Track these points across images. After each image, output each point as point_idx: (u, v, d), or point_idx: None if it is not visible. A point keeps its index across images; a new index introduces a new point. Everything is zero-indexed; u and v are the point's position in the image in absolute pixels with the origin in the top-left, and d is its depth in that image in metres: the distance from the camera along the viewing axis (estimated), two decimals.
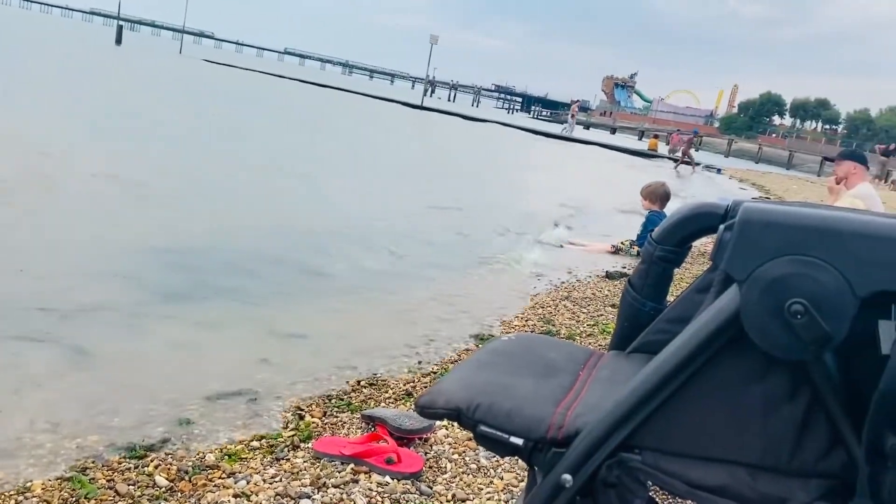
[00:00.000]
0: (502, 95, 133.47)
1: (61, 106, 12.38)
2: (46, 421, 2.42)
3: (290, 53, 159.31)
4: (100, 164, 7.58)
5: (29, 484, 2.00)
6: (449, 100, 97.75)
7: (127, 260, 4.53)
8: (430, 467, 2.42)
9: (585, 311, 4.85)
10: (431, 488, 2.28)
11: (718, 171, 27.80)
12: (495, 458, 2.52)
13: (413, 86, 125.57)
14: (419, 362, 3.47)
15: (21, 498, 1.91)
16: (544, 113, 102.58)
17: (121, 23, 63.96)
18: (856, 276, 0.91)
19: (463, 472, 2.42)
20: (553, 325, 4.37)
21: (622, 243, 7.49)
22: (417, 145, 18.63)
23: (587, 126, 69.63)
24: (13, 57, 21.97)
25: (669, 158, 29.33)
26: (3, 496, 1.92)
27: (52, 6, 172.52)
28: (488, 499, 2.28)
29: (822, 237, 0.93)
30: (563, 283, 5.78)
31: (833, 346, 0.92)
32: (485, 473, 2.44)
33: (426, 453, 2.50)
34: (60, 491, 1.97)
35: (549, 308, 4.83)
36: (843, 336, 0.91)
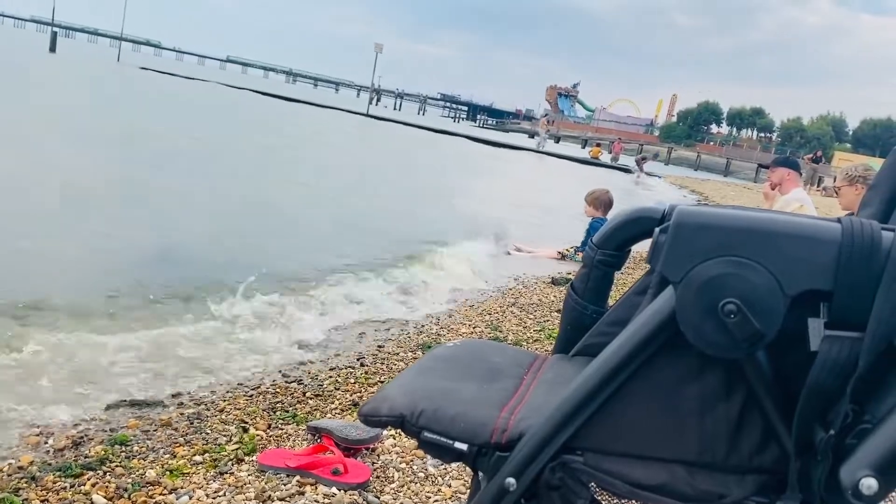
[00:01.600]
0: (448, 104, 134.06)
1: None
2: None
3: (232, 61, 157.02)
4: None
5: None
6: (395, 108, 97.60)
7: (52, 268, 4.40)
8: (378, 477, 2.41)
9: (532, 316, 4.89)
10: (379, 498, 2.26)
11: (658, 178, 28.44)
12: (443, 467, 2.52)
13: (358, 94, 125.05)
14: (365, 372, 3.45)
15: None
16: (490, 122, 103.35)
17: (55, 29, 62.08)
18: (785, 276, 0.94)
19: (411, 481, 2.41)
20: (500, 332, 4.39)
21: (567, 249, 7.60)
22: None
23: (532, 135, 70.39)
24: None
25: (612, 167, 30.00)
26: None
27: None
28: None
29: (753, 238, 0.95)
30: (509, 289, 5.82)
31: (765, 343, 0.94)
32: (432, 482, 2.43)
33: (373, 463, 2.49)
34: None
35: (496, 314, 4.85)
36: (775, 334, 0.94)
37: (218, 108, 26.19)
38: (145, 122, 15.22)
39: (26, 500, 1.98)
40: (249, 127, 20.23)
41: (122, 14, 61.84)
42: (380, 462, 2.51)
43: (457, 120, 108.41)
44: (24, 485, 2.07)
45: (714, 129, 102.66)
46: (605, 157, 35.75)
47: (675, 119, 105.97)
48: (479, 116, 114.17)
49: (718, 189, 26.83)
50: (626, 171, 28.97)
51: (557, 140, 58.62)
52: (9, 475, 2.12)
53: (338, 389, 3.18)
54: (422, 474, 2.46)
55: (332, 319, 4.36)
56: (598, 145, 42.57)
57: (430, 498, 2.32)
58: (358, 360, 3.66)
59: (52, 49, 52.49)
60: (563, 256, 7.48)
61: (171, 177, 8.94)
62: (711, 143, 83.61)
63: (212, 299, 4.26)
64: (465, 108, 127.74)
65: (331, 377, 3.35)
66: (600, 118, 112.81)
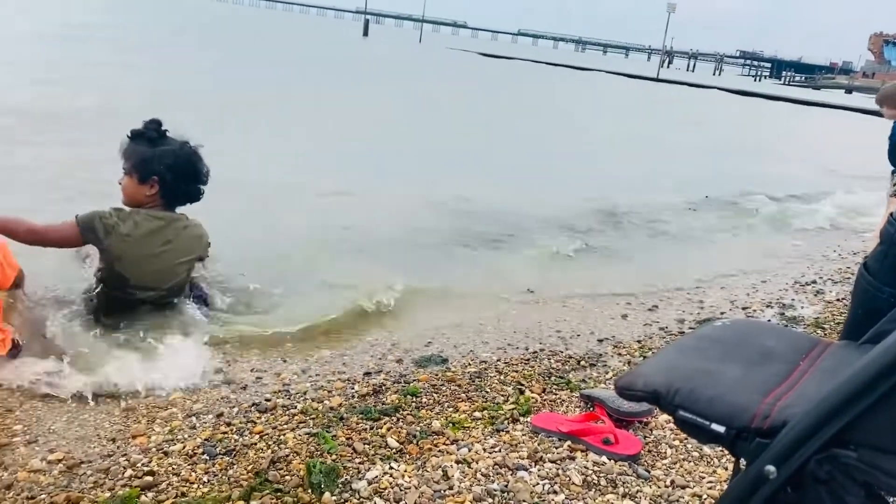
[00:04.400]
0: (748, 62, 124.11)
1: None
2: (297, 384, 2.74)
3: (523, 34, 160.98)
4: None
5: (283, 437, 2.28)
6: (688, 69, 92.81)
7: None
8: (649, 451, 2.39)
9: (837, 297, 4.44)
10: (649, 472, 2.25)
11: None
12: (721, 448, 2.43)
13: (649, 58, 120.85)
14: (640, 346, 3.41)
15: (276, 448, 2.20)
16: (797, 78, 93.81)
17: (367, 17, 68.72)
18: None
19: (684, 459, 2.36)
20: (793, 310, 4.06)
21: None
22: None
23: (849, 90, 62.51)
24: (287, 48, 24.66)
25: None
26: (263, 446, 2.21)
27: (308, 5, 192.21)
28: (710, 488, 2.20)
29: None
30: (817, 268, 5.32)
31: None
32: (707, 462, 2.36)
33: (645, 437, 2.47)
34: (308, 445, 2.23)
35: (788, 293, 4.49)
36: None
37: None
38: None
39: (335, 436, 2.30)
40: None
41: None
42: (652, 437, 2.49)
43: (758, 78, 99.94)
44: (334, 423, 2.41)
45: None
46: None
47: None
48: (784, 73, 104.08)
49: None
50: None
51: None
52: (323, 413, 2.48)
53: (612, 359, 3.20)
54: (696, 453, 2.40)
55: (623, 289, 4.35)
56: None
57: (703, 478, 2.25)
58: (642, 330, 3.63)
59: (365, 34, 58.14)
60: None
61: None
62: None
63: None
64: (769, 66, 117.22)
65: (606, 347, 3.37)
66: None
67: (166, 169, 3.02)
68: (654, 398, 1.10)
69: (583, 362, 3.16)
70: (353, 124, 10.15)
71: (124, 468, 2.02)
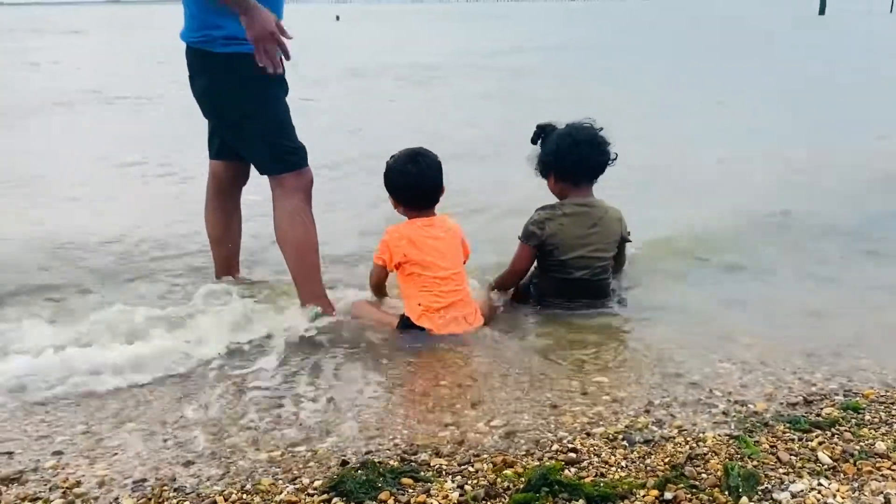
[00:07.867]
0: None
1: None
2: (721, 384, 2.68)
3: None
4: None
5: (703, 435, 2.26)
6: None
7: None
8: None
9: None
10: None
11: None
12: None
13: None
14: None
15: (695, 445, 2.19)
16: None
17: None
18: None
19: None
20: None
21: None
22: None
23: None
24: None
25: None
26: (681, 441, 2.22)
27: None
28: None
29: None
30: None
31: None
32: None
33: None
34: (727, 446, 2.17)
35: None
36: None
37: None
38: None
39: (757, 441, 2.20)
40: None
41: None
42: None
43: None
44: (757, 428, 2.30)
45: None
46: None
47: None
48: None
49: None
50: None
51: None
52: (745, 417, 2.39)
53: None
54: None
55: None
56: None
57: None
58: None
59: (822, 11, 52.41)
60: None
61: None
62: None
63: None
64: None
65: None
66: None
67: (550, 163, 3.41)
68: None
69: None
70: None
71: (552, 442, 2.23)
